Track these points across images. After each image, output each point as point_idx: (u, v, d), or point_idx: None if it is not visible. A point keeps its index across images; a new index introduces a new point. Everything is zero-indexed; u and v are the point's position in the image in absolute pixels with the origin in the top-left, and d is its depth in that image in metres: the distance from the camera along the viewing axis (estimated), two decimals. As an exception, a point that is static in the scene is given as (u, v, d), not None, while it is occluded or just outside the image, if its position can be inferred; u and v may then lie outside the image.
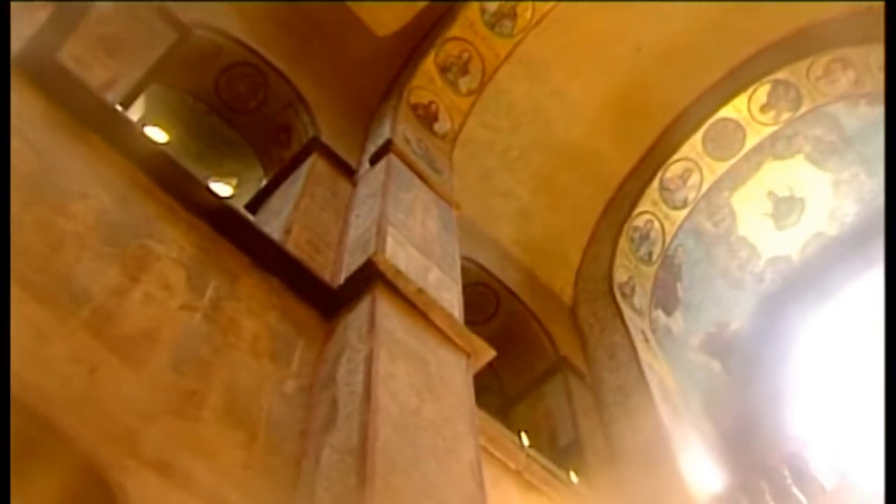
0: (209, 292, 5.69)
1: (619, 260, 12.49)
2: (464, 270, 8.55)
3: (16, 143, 5.17)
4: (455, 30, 11.93)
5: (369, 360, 5.45)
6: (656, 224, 12.84)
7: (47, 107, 5.74)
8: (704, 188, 12.94)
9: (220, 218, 6.41)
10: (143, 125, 12.41)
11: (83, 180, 5.54)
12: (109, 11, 7.51)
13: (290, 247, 7.25)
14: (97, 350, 4.46)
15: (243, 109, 10.62)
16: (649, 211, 12.81)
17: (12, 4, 5.24)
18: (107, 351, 4.51)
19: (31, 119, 5.51)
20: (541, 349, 11.36)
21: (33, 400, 3.94)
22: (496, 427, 7.61)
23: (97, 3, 6.32)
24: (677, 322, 12.79)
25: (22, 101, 5.52)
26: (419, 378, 5.70)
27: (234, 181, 13.56)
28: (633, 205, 12.79)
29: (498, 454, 7.00)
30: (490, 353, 6.85)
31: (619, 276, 12.32)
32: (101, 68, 6.84)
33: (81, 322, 4.53)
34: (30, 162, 5.17)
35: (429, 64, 11.92)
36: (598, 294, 12.22)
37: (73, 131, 5.82)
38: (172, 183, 6.24)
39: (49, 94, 5.79)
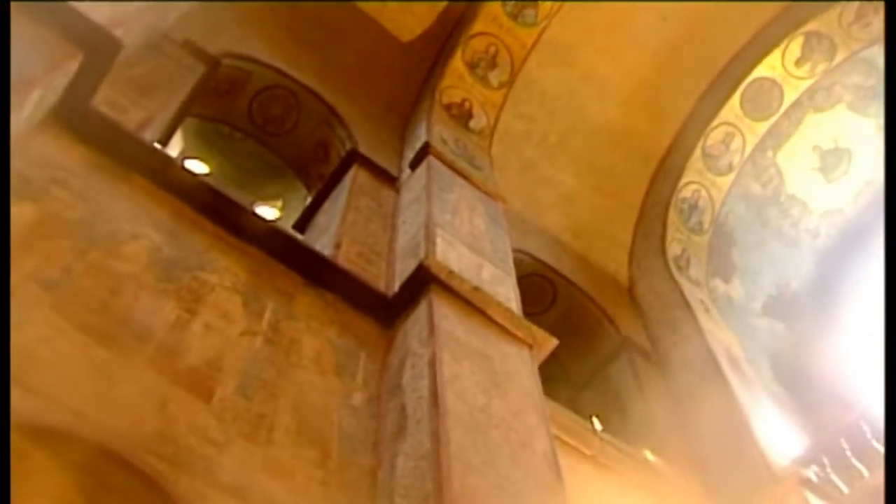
0: (267, 315, 5.74)
1: (670, 233, 12.35)
2: (517, 263, 8.53)
3: (61, 193, 5.28)
4: (478, 25, 11.92)
5: (433, 364, 5.45)
6: (704, 193, 12.68)
7: (88, 153, 5.82)
8: (748, 151, 12.75)
9: (269, 241, 6.46)
10: (184, 159, 12.56)
11: (132, 221, 5.61)
12: (137, 53, 7.61)
13: (342, 261, 7.28)
14: (165, 385, 4.52)
15: (279, 131, 10.69)
16: (695, 181, 12.65)
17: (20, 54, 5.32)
18: (174, 385, 4.57)
19: (74, 167, 5.60)
20: (602, 332, 11.30)
21: (110, 441, 4.01)
22: (567, 415, 7.58)
23: (125, 48, 6.39)
24: (736, 288, 12.62)
25: (63, 151, 5.62)
26: (484, 375, 5.69)
27: (279, 203, 13.66)
28: (678, 176, 12.64)
29: (572, 442, 6.97)
30: (552, 343, 6.83)
31: (673, 249, 12.19)
32: (136, 109, 6.93)
33: (146, 359, 4.60)
34: (77, 209, 5.26)
35: (457, 62, 11.93)
36: (654, 270, 12.10)
37: (117, 174, 5.90)
38: (219, 212, 6.31)
39: (88, 141, 5.88)
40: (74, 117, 5.89)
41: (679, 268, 12.03)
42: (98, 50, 5.88)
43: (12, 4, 5.46)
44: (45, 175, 5.32)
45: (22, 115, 5.16)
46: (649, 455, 8.61)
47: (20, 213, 4.87)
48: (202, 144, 13.13)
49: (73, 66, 5.70)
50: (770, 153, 12.90)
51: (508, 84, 12.06)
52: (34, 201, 5.07)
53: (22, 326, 4.19)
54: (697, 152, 12.67)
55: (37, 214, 4.99)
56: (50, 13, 5.65)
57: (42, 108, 5.54)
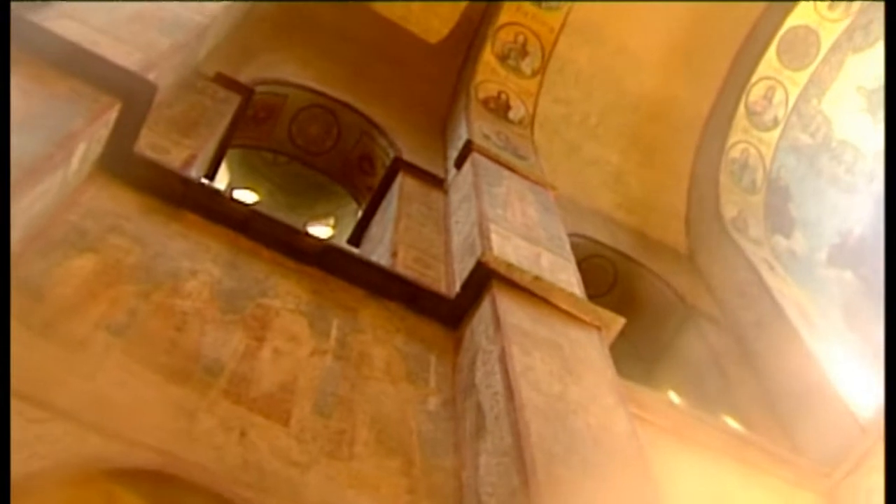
0: (334, 332, 5.79)
1: (723, 197, 12.18)
2: (574, 247, 8.48)
3: (118, 240, 5.39)
4: (504, 16, 11.90)
5: (503, 359, 5.45)
6: (752, 151, 12.48)
7: (139, 198, 5.92)
8: (791, 102, 12.52)
9: (326, 259, 6.51)
10: (232, 190, 12.72)
11: (190, 258, 5.70)
12: (171, 93, 7.72)
13: (400, 268, 7.31)
14: (242, 414, 4.58)
15: (321, 150, 10.76)
16: (742, 140, 12.46)
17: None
18: (251, 413, 4.62)
19: (127, 213, 5.70)
20: (668, 304, 11.17)
21: (196, 476, 4.07)
22: (643, 392, 7.50)
23: (160, 90, 6.49)
24: (798, 242, 12.39)
25: (114, 199, 5.73)
26: (556, 363, 5.67)
27: (331, 220, 13.76)
28: (725, 138, 12.46)
29: (651, 418, 6.91)
30: (620, 322, 6.78)
31: (728, 212, 12.02)
32: (179, 148, 7.02)
33: (221, 391, 4.66)
34: (135, 253, 5.36)
35: (487, 56, 11.92)
36: (712, 235, 11.95)
37: (169, 214, 6.00)
38: (273, 238, 6.37)
39: (137, 186, 5.98)
40: (121, 165, 6.00)
41: (737, 229, 11.86)
42: (135, 96, 5.98)
43: (43, 65, 5.59)
44: (100, 225, 5.43)
45: (70, 170, 5.25)
46: (731, 422, 8.51)
47: (82, 264, 4.99)
48: (248, 173, 13.29)
49: (112, 115, 5.79)
50: (814, 101, 12.64)
51: (542, 70, 12.01)
52: (94, 251, 5.17)
53: (96, 374, 4.28)
54: (740, 111, 12.48)
55: (97, 263, 5.09)
56: (83, 66, 5.76)
57: (88, 160, 5.64)
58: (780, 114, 12.59)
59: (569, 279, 7.37)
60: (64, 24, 6.42)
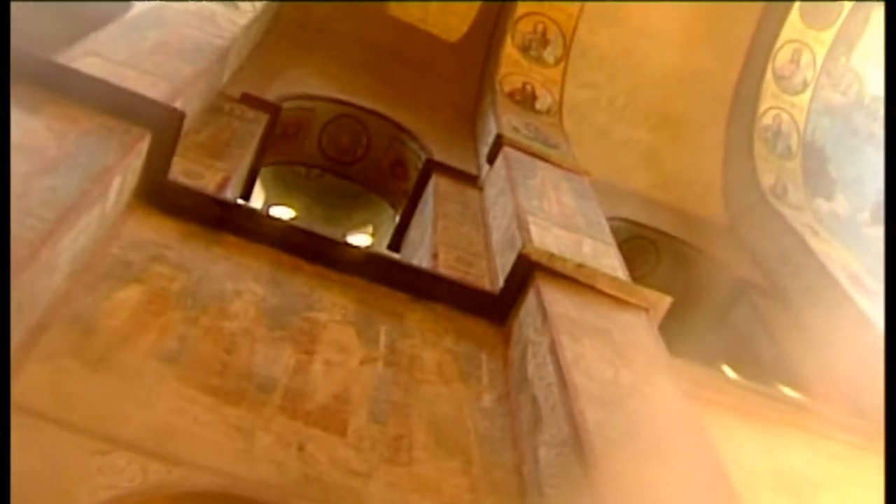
0: (382, 339, 5.81)
1: (760, 165, 12.04)
2: (614, 230, 8.44)
3: (162, 268, 5.46)
4: (521, 8, 11.90)
5: (553, 349, 5.44)
6: (784, 116, 12.33)
7: (178, 225, 5.98)
8: (819, 62, 12.33)
9: (368, 267, 6.53)
10: (269, 208, 12.81)
11: (233, 279, 5.74)
12: (200, 119, 7.80)
13: (442, 269, 7.31)
14: (299, 428, 4.61)
15: (353, 159, 10.79)
16: (773, 106, 12.31)
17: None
18: (308, 426, 4.65)
19: (168, 241, 5.76)
20: (714, 279, 11.06)
21: (260, 494, 4.11)
22: (697, 369, 7.45)
23: (188, 116, 6.56)
24: (841, 203, 12.21)
25: (153, 229, 5.80)
26: (607, 349, 5.65)
27: (370, 228, 13.81)
28: (755, 106, 12.31)
29: (708, 394, 6.85)
30: (666, 301, 6.73)
31: (766, 180, 11.88)
32: (212, 172, 7.08)
33: (276, 408, 4.69)
34: (179, 280, 5.42)
35: (509, 49, 11.91)
36: (752, 206, 11.82)
37: (209, 238, 6.05)
38: (314, 251, 6.41)
39: (175, 213, 6.05)
40: (157, 193, 6.07)
41: (777, 197, 11.72)
42: (163, 125, 6.05)
43: (72, 104, 5.67)
44: (142, 255, 5.50)
45: (108, 204, 5.32)
46: (790, 392, 8.41)
47: (129, 295, 5.06)
48: (283, 189, 13.37)
49: (144, 146, 5.86)
50: (843, 59, 12.44)
51: (564, 57, 11.97)
52: (139, 282, 5.24)
53: (153, 403, 4.33)
54: (768, 77, 12.32)
55: (144, 293, 5.16)
56: (111, 101, 5.83)
57: (125, 192, 5.71)
58: (809, 75, 12.42)
59: (612, 263, 7.35)
60: (88, 61, 6.52)
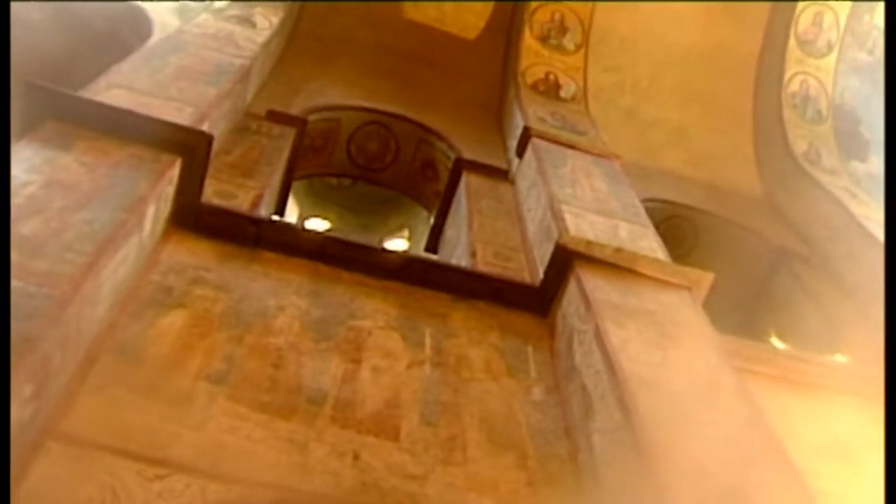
0: (427, 341, 5.81)
1: (791, 132, 11.91)
2: (649, 212, 8.39)
3: (203, 291, 5.51)
4: (536, -2, 11.88)
5: (599, 336, 5.42)
6: (811, 80, 12.17)
7: (215, 246, 6.03)
8: (843, 23, 12.17)
9: (407, 271, 6.54)
10: (304, 221, 12.91)
11: (274, 295, 5.78)
12: (228, 139, 7.87)
13: (481, 266, 7.32)
14: (352, 437, 4.63)
15: (383, 165, 10.82)
16: (799, 71, 12.16)
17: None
18: (361, 434, 4.67)
19: (206, 263, 5.81)
20: (755, 251, 10.95)
21: (319, 505, 4.15)
22: (745, 344, 7.38)
23: (216, 138, 6.63)
24: (876, 164, 12.03)
25: (191, 252, 5.85)
26: (652, 331, 5.61)
27: (406, 232, 13.87)
28: (780, 73, 12.17)
29: (758, 368, 6.77)
30: (708, 278, 6.67)
31: (799, 147, 11.75)
32: (244, 191, 7.14)
33: (328, 419, 4.71)
34: (221, 301, 5.46)
35: (528, 41, 11.90)
36: (786, 174, 11.70)
37: (246, 257, 6.09)
38: (352, 260, 6.43)
39: (211, 235, 6.10)
40: (192, 217, 6.13)
41: (811, 163, 11.58)
42: (192, 149, 6.11)
43: (101, 137, 5.74)
44: (183, 280, 5.55)
45: (144, 233, 5.38)
46: (840, 358, 8.31)
47: (172, 321, 5.11)
48: (316, 202, 13.47)
49: (175, 172, 5.92)
50: (866, 17, 12.27)
51: (584, 44, 11.94)
52: (182, 306, 5.29)
53: (206, 424, 4.37)
54: (791, 43, 12.17)
55: (188, 317, 5.20)
56: (139, 130, 5.90)
57: (160, 219, 5.77)
58: (833, 37, 12.25)
59: (650, 245, 7.31)
60: (113, 93, 6.61)
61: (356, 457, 4.49)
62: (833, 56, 12.27)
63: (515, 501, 4.49)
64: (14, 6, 9.74)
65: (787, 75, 12.17)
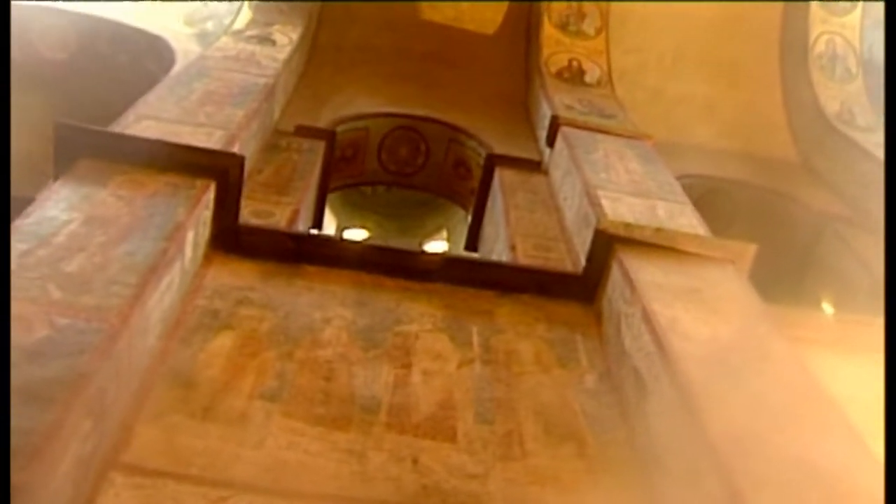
0: (475, 339, 5.81)
1: (821, 93, 11.75)
2: (686, 189, 8.31)
3: (249, 311, 5.57)
4: (551, -14, 11.85)
5: (647, 318, 5.39)
6: (837, 39, 12.00)
7: (256, 266, 6.10)
8: (863, -22, 12.03)
9: (449, 272, 6.54)
10: (342, 232, 12.97)
11: (320, 308, 5.81)
12: (260, 158, 7.95)
13: (522, 259, 7.33)
14: (409, 442, 4.64)
15: (415, 169, 10.84)
16: (823, 31, 11.98)
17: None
18: (418, 438, 4.68)
19: (250, 283, 5.87)
20: (796, 217, 10.83)
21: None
22: (794, 312, 7.30)
23: (248, 159, 6.69)
24: (914, 115, 11.85)
25: (234, 274, 5.92)
26: (700, 309, 5.56)
27: (444, 233, 13.91)
28: (805, 35, 12.00)
29: (811, 335, 6.69)
30: (751, 250, 6.60)
31: (830, 108, 11.59)
32: (280, 208, 7.21)
33: (383, 426, 4.73)
34: (268, 319, 5.51)
35: (548, 30, 11.88)
36: (821, 137, 11.55)
37: (289, 273, 6.14)
38: (393, 266, 6.45)
39: (252, 255, 6.17)
40: (231, 239, 6.20)
41: (844, 122, 11.42)
42: (226, 172, 6.16)
43: (136, 169, 5.82)
44: (228, 301, 5.61)
45: (186, 259, 5.44)
46: (894, 318, 8.16)
47: (222, 343, 5.17)
48: (353, 211, 13.55)
49: (210, 196, 5.98)
50: (887, -32, 12.10)
51: (604, 27, 11.88)
52: (229, 328, 5.35)
53: (264, 442, 4.41)
54: (813, 3, 12.00)
55: (237, 338, 5.26)
56: (172, 158, 5.99)
57: (200, 244, 5.84)
58: (856, -8, 12.09)
59: (689, 222, 7.26)
60: (143, 125, 6.71)
61: (415, 461, 4.50)
62: (857, 12, 12.09)
63: (577, 491, 4.47)
64: (38, 48, 9.92)
65: (812, 36, 12.00)
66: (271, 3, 11.05)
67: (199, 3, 11.13)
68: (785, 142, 12.09)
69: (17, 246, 4.68)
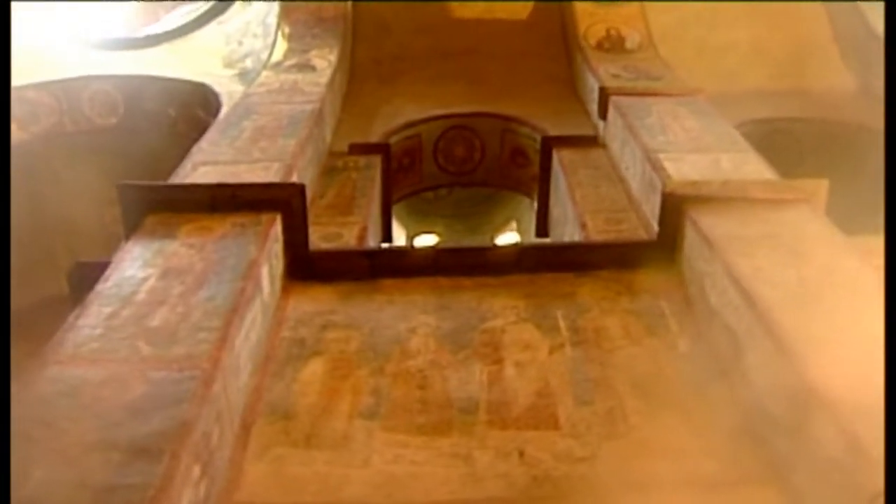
0: (562, 323, 5.79)
1: (869, 14, 11.31)
2: (746, 136, 8.16)
3: (334, 334, 5.68)
4: (577, -41, 11.75)
5: (730, 272, 5.31)
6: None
7: (334, 288, 6.19)
8: None
9: (524, 261, 6.54)
10: (413, 240, 13.03)
11: (403, 319, 5.85)
12: (320, 183, 8.07)
13: (594, 235, 7.30)
14: (512, 436, 4.63)
15: (473, 165, 10.84)
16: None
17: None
18: (520, 431, 4.67)
19: (331, 307, 5.96)
20: (865, 144, 10.53)
21: None
22: (873, 240, 7.14)
23: (308, 186, 6.77)
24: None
25: (313, 300, 6.01)
26: (782, 253, 5.46)
27: (513, 224, 13.89)
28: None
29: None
30: (823, 185, 6.44)
31: (881, 26, 11.25)
32: (348, 228, 7.35)
33: (484, 424, 4.73)
34: (354, 339, 5.57)
35: (581, 3, 11.78)
36: (876, 56, 11.21)
37: (367, 290, 6.21)
38: (468, 265, 6.46)
39: (328, 278, 6.27)
40: (304, 267, 6.28)
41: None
42: (289, 203, 6.25)
43: (202, 216, 5.93)
44: (312, 328, 5.68)
45: (264, 294, 5.53)
46: None
47: (313, 370, 5.25)
48: (420, 218, 13.60)
49: (277, 229, 6.08)
50: None
51: (638, -9, 11.76)
52: (318, 354, 5.42)
53: (370, 459, 4.45)
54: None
55: (327, 363, 5.33)
56: (235, 199, 6.09)
57: (275, 277, 5.93)
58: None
59: (756, 168, 7.12)
60: (200, 172, 6.85)
61: (521, 454, 4.50)
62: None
63: (688, 458, 4.41)
64: (90, 117, 10.15)
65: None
66: (304, 29, 11.16)
67: (234, 44, 11.30)
68: (838, 70, 11.77)
69: (102, 310, 4.82)
